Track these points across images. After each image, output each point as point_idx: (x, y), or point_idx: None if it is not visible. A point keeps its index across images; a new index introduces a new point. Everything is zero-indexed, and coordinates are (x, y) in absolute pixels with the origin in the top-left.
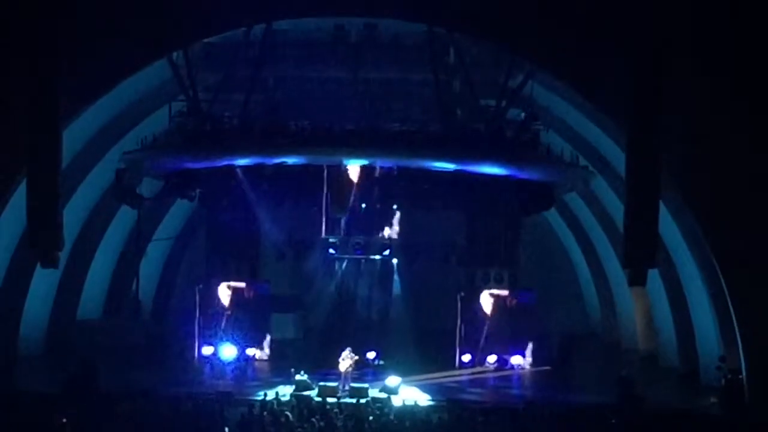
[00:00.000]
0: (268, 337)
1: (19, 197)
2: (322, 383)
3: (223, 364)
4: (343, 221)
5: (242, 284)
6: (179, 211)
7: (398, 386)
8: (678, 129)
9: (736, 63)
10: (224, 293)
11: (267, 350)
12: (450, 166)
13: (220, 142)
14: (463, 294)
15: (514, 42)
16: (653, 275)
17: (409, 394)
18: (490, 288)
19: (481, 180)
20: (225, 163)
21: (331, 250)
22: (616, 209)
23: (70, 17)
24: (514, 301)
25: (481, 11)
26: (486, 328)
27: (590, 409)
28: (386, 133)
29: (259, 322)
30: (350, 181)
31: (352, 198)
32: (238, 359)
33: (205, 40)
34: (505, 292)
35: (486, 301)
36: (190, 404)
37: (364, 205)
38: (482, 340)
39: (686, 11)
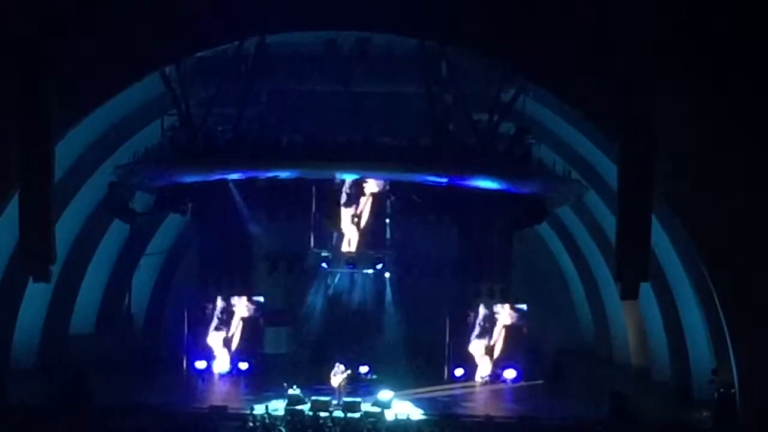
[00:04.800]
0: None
1: (11, 211)
2: (314, 397)
3: (216, 377)
4: (335, 235)
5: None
6: (172, 225)
7: (391, 400)
8: (670, 143)
9: (728, 78)
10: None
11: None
12: (442, 180)
13: (213, 156)
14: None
15: (506, 56)
16: (645, 289)
17: (401, 408)
18: (481, 301)
19: (474, 194)
20: (217, 177)
21: (324, 264)
22: (609, 223)
23: (63, 32)
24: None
25: (473, 25)
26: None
27: (583, 424)
28: (378, 147)
29: (252, 336)
30: (342, 195)
31: (344, 212)
32: (230, 373)
33: (198, 55)
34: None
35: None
36: (182, 418)
37: (356, 219)
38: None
39: (677, 27)
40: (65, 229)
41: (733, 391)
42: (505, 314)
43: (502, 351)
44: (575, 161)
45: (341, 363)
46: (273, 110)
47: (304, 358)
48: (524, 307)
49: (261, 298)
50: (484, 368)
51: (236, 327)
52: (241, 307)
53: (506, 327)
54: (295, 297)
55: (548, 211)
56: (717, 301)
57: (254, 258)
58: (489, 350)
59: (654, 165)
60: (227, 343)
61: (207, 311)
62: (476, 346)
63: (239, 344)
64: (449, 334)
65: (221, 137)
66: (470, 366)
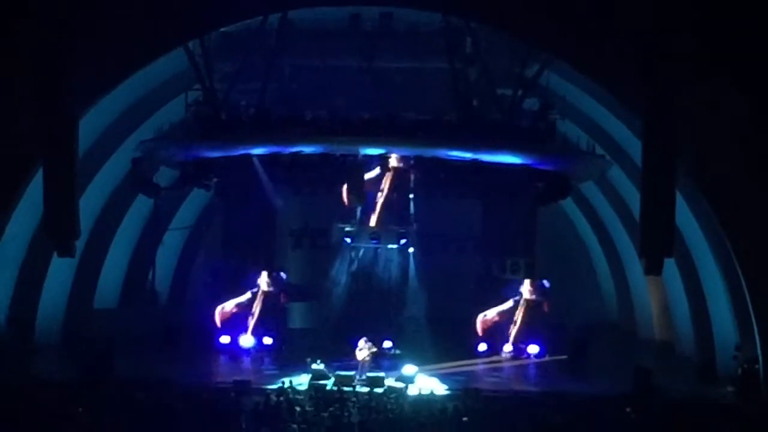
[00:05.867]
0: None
1: (36, 186)
2: (338, 372)
3: (241, 352)
4: (359, 210)
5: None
6: (195, 200)
7: (414, 375)
8: (694, 118)
9: (753, 53)
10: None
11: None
12: (466, 156)
13: (236, 131)
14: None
15: (530, 31)
16: (669, 265)
17: (425, 383)
18: (506, 276)
19: (498, 169)
20: (241, 152)
21: (348, 239)
22: (633, 198)
23: (87, 6)
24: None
25: (497, 0)
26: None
27: (606, 399)
28: (402, 123)
29: (276, 311)
30: (366, 170)
31: (368, 187)
32: (255, 348)
33: (222, 30)
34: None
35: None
36: (206, 393)
37: (380, 195)
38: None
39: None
40: (89, 204)
41: (756, 366)
42: (527, 290)
43: (526, 326)
44: (599, 136)
45: (365, 338)
46: (297, 85)
47: (327, 333)
48: (546, 282)
49: (284, 274)
50: (506, 343)
51: (260, 302)
52: (265, 282)
53: (529, 302)
54: (319, 272)
55: (572, 186)
56: (741, 277)
57: (278, 233)
58: (511, 325)
59: (678, 140)
60: (251, 318)
61: (231, 286)
62: (498, 319)
63: (263, 319)
64: (473, 309)
65: (245, 112)
66: (494, 341)
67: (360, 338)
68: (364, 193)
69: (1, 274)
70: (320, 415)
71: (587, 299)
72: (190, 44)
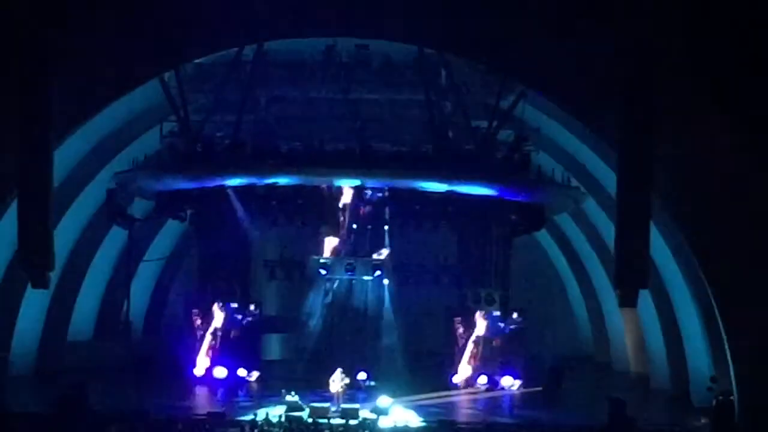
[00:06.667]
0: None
1: (9, 217)
2: (312, 404)
3: (215, 384)
4: (334, 242)
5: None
6: (170, 231)
7: (389, 407)
8: (669, 149)
9: (729, 86)
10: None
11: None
12: (441, 187)
13: (212, 162)
14: (459, 318)
15: (504, 64)
16: (644, 296)
17: (400, 414)
18: (481, 309)
19: (473, 201)
20: (216, 183)
21: (323, 271)
22: (608, 230)
23: (62, 37)
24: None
25: (472, 32)
26: (477, 349)
27: (581, 430)
28: (378, 154)
29: (251, 343)
30: (341, 201)
31: (343, 219)
32: (229, 380)
33: (197, 61)
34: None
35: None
36: (180, 425)
37: (355, 226)
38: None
39: (678, 35)
40: (64, 236)
41: (731, 398)
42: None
43: (500, 358)
44: (574, 168)
45: (340, 369)
46: (272, 117)
47: (302, 364)
48: (517, 315)
49: (259, 305)
50: (482, 375)
51: (235, 334)
52: (240, 313)
53: (504, 334)
54: (294, 303)
55: (547, 218)
56: (715, 308)
57: (253, 264)
58: (486, 357)
59: (653, 172)
60: (226, 349)
61: (205, 318)
62: (470, 353)
63: (238, 351)
64: (448, 340)
65: (220, 144)
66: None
67: (335, 370)
68: (339, 225)
69: None
70: None
71: (562, 331)
72: (165, 75)
